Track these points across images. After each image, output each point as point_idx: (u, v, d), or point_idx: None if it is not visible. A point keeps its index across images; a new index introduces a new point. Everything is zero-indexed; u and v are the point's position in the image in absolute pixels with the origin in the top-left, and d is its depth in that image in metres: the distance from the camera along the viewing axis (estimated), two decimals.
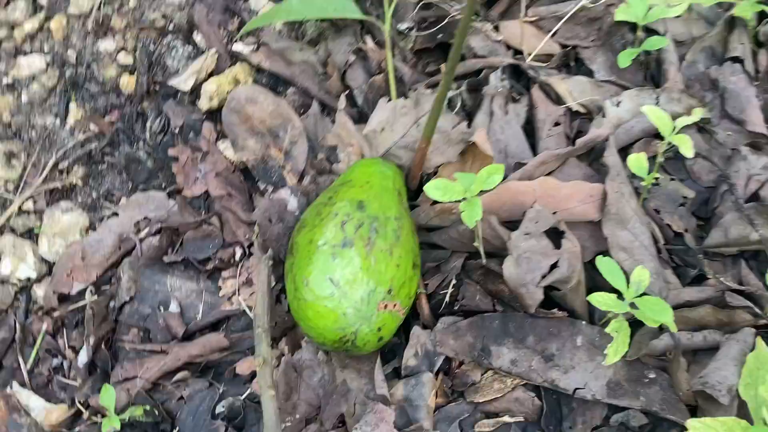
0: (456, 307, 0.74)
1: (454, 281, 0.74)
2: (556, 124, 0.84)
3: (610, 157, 0.75)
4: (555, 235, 0.72)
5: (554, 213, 0.71)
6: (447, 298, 0.74)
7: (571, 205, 0.72)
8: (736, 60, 0.89)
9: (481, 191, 0.66)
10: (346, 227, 0.63)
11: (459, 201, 0.66)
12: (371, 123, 0.78)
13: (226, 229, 0.78)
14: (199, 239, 0.79)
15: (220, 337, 0.75)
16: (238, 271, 0.78)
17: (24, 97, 0.91)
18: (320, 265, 0.62)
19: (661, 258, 0.76)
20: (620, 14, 0.84)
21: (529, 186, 0.71)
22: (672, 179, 0.83)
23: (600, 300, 0.66)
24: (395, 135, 0.76)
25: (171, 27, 0.96)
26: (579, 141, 0.77)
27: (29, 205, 0.87)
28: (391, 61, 0.82)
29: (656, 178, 0.76)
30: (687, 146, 0.66)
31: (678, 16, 0.89)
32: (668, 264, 0.77)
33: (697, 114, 0.70)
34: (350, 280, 0.61)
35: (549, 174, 0.77)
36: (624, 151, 0.84)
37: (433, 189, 0.66)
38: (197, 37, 0.95)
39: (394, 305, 0.63)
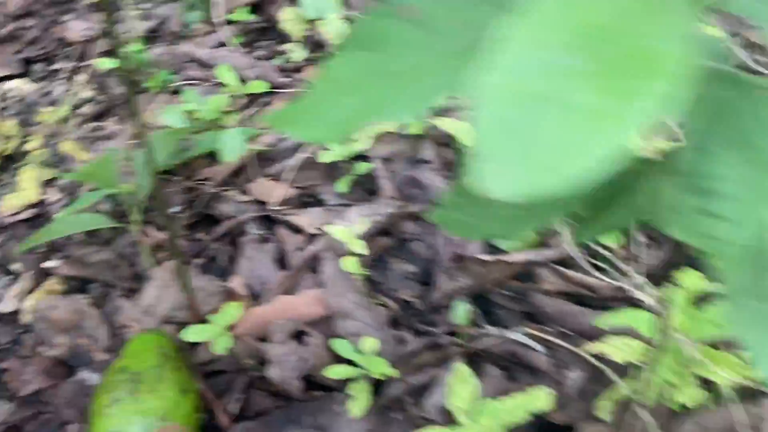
0: (250, 414, 0.94)
1: (241, 395, 0.94)
2: (300, 249, 1.08)
3: (325, 271, 1.00)
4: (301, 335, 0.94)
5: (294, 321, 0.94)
6: (239, 409, 0.93)
7: (306, 311, 0.95)
8: (427, 162, 1.18)
9: (231, 326, 0.88)
10: (115, 393, 0.82)
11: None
12: (144, 301, 1.00)
13: (57, 413, 0.96)
14: (40, 427, 0.96)
15: None
16: None
17: None
18: (102, 426, 0.81)
19: (398, 325, 0.99)
20: (324, 157, 1.11)
21: (267, 308, 0.94)
22: (398, 261, 1.09)
23: (338, 371, 0.88)
24: (167, 303, 0.98)
25: None
26: (296, 259, 1.01)
27: None
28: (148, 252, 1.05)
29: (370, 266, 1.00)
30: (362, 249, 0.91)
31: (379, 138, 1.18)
32: (408, 327, 1.00)
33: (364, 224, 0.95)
34: (124, 424, 0.80)
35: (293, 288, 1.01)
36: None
37: (191, 334, 0.87)
38: (15, 266, 1.15)
39: (174, 427, 0.82)
